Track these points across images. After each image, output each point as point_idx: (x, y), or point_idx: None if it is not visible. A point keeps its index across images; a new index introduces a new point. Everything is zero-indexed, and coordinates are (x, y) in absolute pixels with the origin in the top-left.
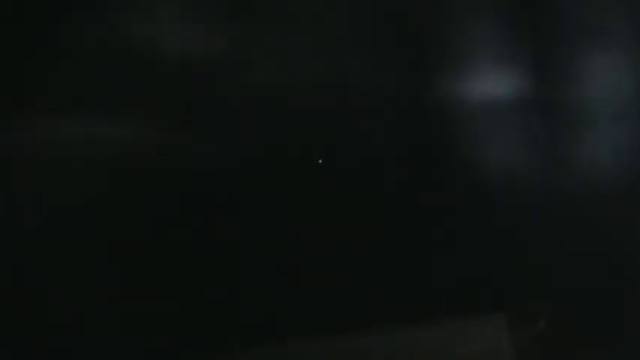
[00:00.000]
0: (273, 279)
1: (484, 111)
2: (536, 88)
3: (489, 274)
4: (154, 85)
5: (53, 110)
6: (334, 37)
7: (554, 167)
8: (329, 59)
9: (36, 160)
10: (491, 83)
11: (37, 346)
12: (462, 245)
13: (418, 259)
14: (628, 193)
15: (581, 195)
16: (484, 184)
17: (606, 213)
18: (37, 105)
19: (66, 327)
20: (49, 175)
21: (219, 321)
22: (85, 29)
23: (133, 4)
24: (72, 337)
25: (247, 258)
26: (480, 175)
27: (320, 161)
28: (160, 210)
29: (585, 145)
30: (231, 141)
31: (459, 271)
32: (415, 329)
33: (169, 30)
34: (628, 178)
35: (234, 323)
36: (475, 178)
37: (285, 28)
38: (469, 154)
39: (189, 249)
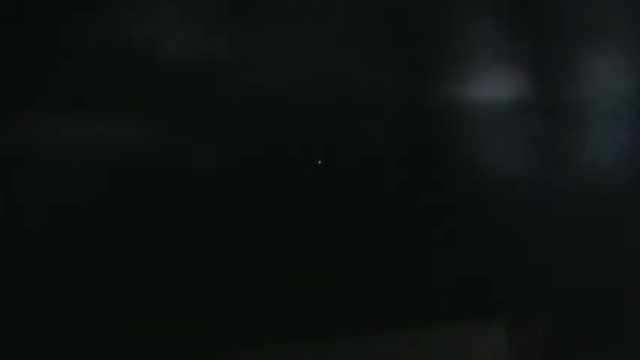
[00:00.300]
0: (273, 279)
1: (484, 112)
2: (536, 88)
3: (488, 276)
4: (153, 86)
5: (52, 110)
6: (334, 38)
7: (554, 168)
8: (329, 60)
9: (35, 160)
10: (491, 84)
11: (37, 346)
12: (461, 247)
13: (417, 261)
14: (629, 195)
15: (581, 196)
16: (483, 185)
17: (606, 214)
18: (36, 105)
19: (66, 327)
20: (47, 175)
21: (219, 321)
22: (85, 30)
23: (132, 4)
24: (72, 337)
25: (247, 258)
26: (479, 176)
27: (319, 162)
28: (160, 210)
29: (585, 146)
30: (231, 141)
31: (458, 273)
32: (414, 331)
33: (169, 30)
34: (629, 178)
35: (234, 323)
36: (474, 180)
37: (284, 29)
38: (469, 155)
39: (188, 249)
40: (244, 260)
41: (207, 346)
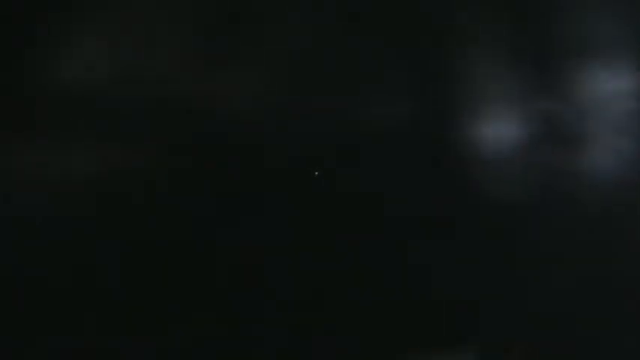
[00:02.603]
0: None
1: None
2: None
3: (471, 304)
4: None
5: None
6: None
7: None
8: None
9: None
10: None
11: (37, 347)
12: (443, 276)
13: (397, 292)
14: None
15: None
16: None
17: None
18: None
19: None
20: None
21: (218, 327)
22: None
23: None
24: (72, 338)
25: (245, 273)
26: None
27: (316, 173)
28: (159, 218)
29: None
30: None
31: (442, 299)
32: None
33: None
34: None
35: (232, 336)
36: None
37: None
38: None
39: (187, 257)
40: (243, 274)
41: (206, 346)
